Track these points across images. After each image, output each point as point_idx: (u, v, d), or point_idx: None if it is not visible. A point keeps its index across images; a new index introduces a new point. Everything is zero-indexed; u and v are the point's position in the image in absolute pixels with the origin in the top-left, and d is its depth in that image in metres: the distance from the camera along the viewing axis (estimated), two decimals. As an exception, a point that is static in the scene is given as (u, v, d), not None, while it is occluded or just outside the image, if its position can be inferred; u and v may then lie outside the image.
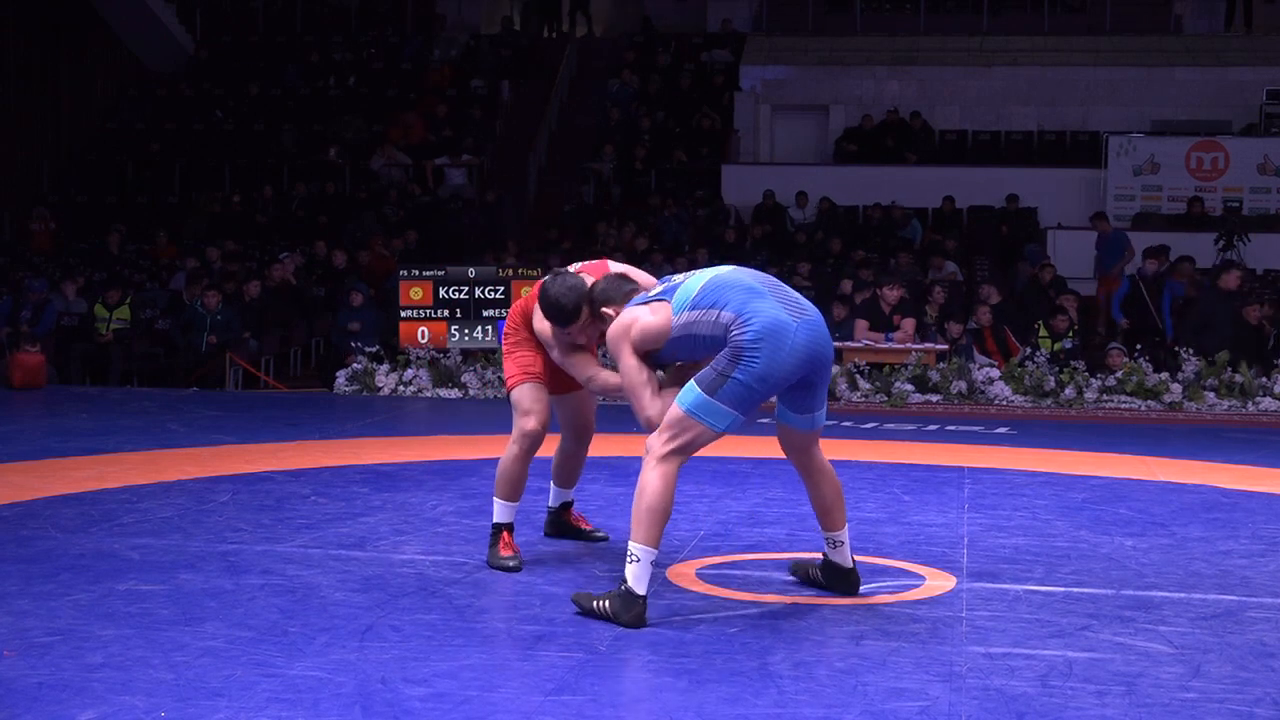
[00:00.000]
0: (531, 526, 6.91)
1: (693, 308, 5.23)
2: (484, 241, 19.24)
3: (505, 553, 6.02)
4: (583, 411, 6.36)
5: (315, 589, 5.54)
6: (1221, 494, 8.35)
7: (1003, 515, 7.46)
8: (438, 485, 8.12)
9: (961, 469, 9.07)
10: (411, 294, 14.25)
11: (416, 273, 14.40)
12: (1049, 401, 13.27)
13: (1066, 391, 13.28)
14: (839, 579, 5.60)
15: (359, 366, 14.02)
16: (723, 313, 5.15)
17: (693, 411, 5.13)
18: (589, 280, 5.67)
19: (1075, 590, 5.75)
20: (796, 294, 5.34)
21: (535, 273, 14.56)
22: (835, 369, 12.14)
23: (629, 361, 5.37)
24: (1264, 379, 13.33)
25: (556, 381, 6.12)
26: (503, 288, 14.27)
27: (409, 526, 6.89)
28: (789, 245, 19.21)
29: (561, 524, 6.66)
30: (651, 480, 5.13)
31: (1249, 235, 18.47)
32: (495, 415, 12.36)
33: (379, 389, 13.78)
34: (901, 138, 22.28)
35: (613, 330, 5.42)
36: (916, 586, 5.81)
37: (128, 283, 17.30)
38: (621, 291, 5.55)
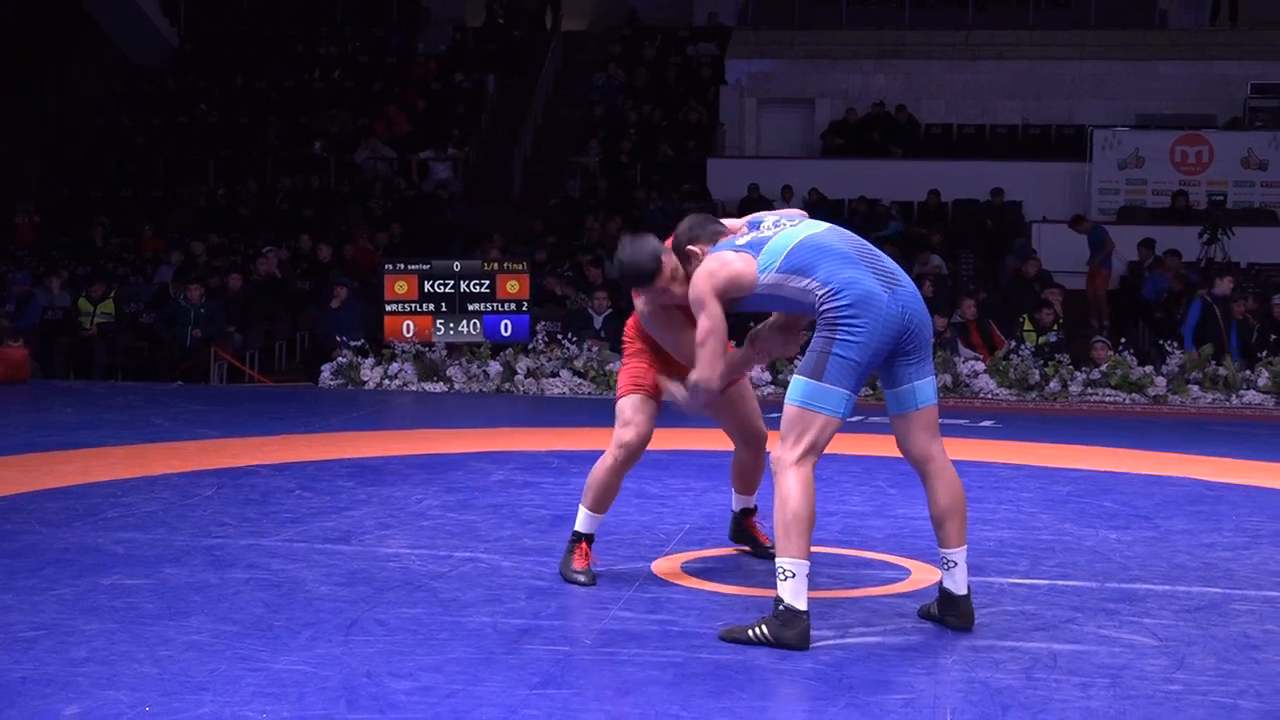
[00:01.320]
0: (516, 521, 6.91)
1: (781, 270, 4.95)
2: (466, 235, 19.23)
3: (578, 564, 5.72)
4: (746, 416, 5.91)
5: (300, 583, 5.53)
6: (1205, 487, 8.37)
7: (988, 508, 7.47)
8: (423, 479, 8.12)
9: (946, 462, 9.07)
10: (396, 288, 14.25)
11: (401, 266, 14.39)
12: (1034, 395, 13.30)
13: (1051, 385, 13.32)
14: (949, 609, 5.05)
15: (344, 360, 14.01)
16: (811, 281, 4.89)
17: (807, 403, 4.86)
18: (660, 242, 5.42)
19: (1060, 583, 5.77)
20: (891, 262, 5.04)
21: (520, 266, 14.57)
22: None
23: (713, 311, 5.03)
24: (1247, 372, 13.38)
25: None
26: (488, 281, 14.26)
27: (394, 520, 6.88)
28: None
29: (742, 529, 6.27)
30: (791, 490, 4.81)
31: (1233, 229, 18.53)
32: (480, 409, 12.36)
33: (364, 383, 13.78)
34: (887, 131, 22.29)
35: (699, 274, 5.09)
36: (902, 580, 5.82)
37: (112, 277, 17.27)
38: (708, 231, 5.27)
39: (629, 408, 5.72)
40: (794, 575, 4.76)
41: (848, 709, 4.14)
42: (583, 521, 5.76)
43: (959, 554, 5.02)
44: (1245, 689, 4.39)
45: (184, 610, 5.09)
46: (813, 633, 4.79)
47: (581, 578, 5.67)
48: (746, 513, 6.26)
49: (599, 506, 5.76)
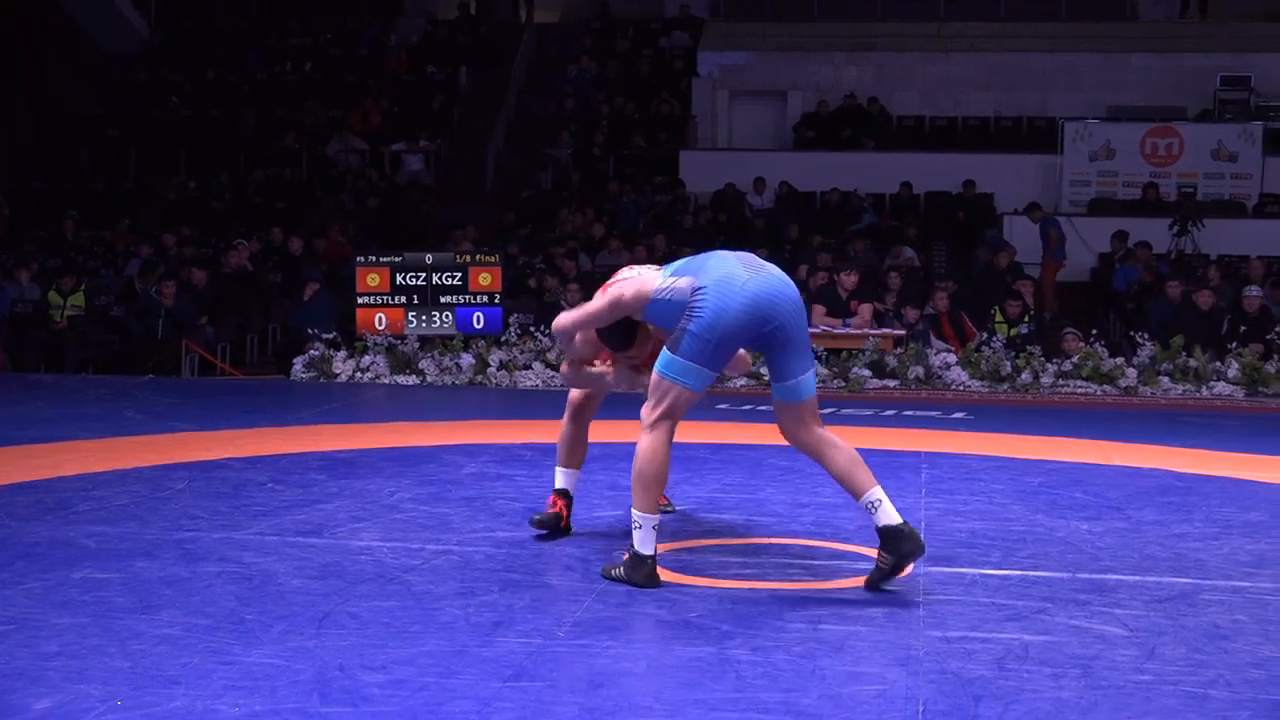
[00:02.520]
0: (489, 513, 6.91)
1: (674, 273, 5.53)
2: (438, 228, 19.19)
3: (548, 510, 6.42)
4: None
5: (272, 576, 5.52)
6: (1176, 478, 8.41)
7: (960, 500, 7.49)
8: (395, 472, 8.10)
9: (919, 454, 9.10)
10: (368, 280, 14.21)
11: (374, 259, 14.34)
12: (1005, 386, 13.33)
13: (1023, 376, 13.35)
14: (895, 543, 5.32)
15: (316, 353, 13.97)
16: (688, 278, 5.44)
17: (663, 373, 5.42)
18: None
19: (1031, 574, 5.79)
20: (770, 265, 5.53)
21: (493, 259, 14.55)
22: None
23: (602, 308, 5.71)
24: (1218, 364, 13.43)
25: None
26: (460, 274, 14.24)
27: (366, 513, 6.87)
28: (746, 230, 19.23)
29: None
30: (643, 449, 5.42)
31: (1203, 221, 18.62)
32: (453, 402, 12.35)
33: (336, 375, 13.74)
34: (859, 123, 22.32)
35: (622, 284, 5.70)
36: (874, 571, 5.83)
37: (82, 269, 17.17)
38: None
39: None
40: (640, 526, 5.42)
41: (821, 700, 4.15)
42: (558, 477, 6.48)
43: (877, 490, 5.41)
44: (1215, 679, 4.41)
45: (155, 604, 5.07)
46: (786, 624, 4.82)
47: (536, 517, 6.39)
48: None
49: (561, 460, 6.43)
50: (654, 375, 5.46)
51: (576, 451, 6.42)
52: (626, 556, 5.47)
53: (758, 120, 23.60)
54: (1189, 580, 5.72)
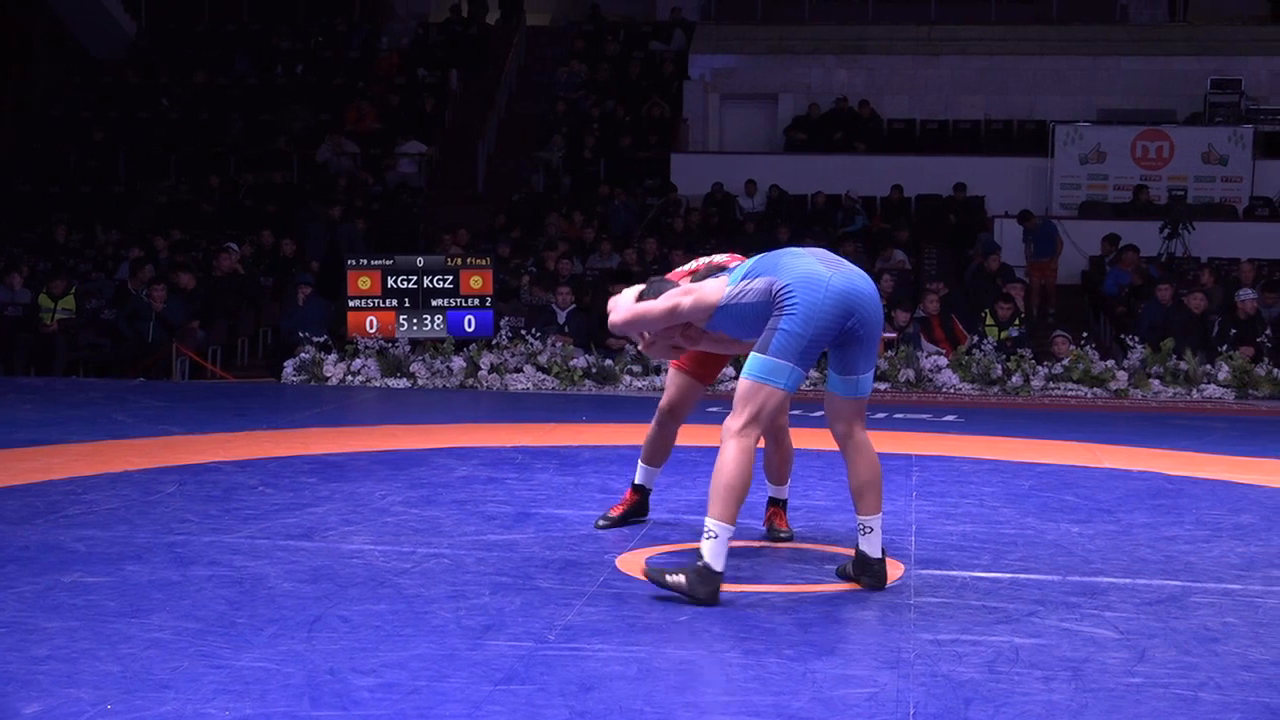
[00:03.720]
0: (480, 517, 6.90)
1: (746, 277, 5.45)
2: (430, 230, 19.18)
3: (612, 511, 6.69)
4: None
5: (263, 580, 5.51)
6: (1166, 480, 8.42)
7: (950, 502, 7.50)
8: (386, 475, 8.09)
9: (909, 457, 9.11)
10: (359, 283, 14.20)
11: (364, 262, 14.33)
12: (996, 389, 13.35)
13: (1014, 379, 13.36)
14: (863, 570, 5.52)
15: (307, 356, 13.95)
16: (770, 279, 5.34)
17: (756, 376, 5.27)
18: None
19: (1022, 576, 5.79)
20: (851, 265, 5.46)
21: (484, 262, 14.55)
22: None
23: (658, 308, 5.67)
24: (1208, 366, 13.46)
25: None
26: (451, 277, 14.23)
27: (357, 517, 6.86)
28: (737, 233, 19.25)
29: (767, 518, 6.62)
30: (730, 456, 5.23)
31: (1193, 223, 18.67)
32: (444, 405, 12.34)
33: (327, 379, 13.73)
34: (850, 126, 22.35)
35: (676, 292, 5.69)
36: (865, 574, 5.83)
37: (73, 273, 17.15)
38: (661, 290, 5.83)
39: (667, 378, 6.55)
40: (716, 536, 5.16)
41: (812, 703, 4.15)
42: (637, 472, 6.67)
43: (875, 520, 5.49)
44: (1205, 681, 4.42)
45: (146, 608, 5.06)
46: (777, 627, 4.82)
47: (600, 522, 6.63)
48: (770, 502, 6.62)
49: (645, 459, 6.63)
50: (742, 381, 5.30)
51: (659, 452, 6.58)
52: (695, 566, 5.18)
53: (748, 123, 23.63)
54: (1179, 583, 5.73)
